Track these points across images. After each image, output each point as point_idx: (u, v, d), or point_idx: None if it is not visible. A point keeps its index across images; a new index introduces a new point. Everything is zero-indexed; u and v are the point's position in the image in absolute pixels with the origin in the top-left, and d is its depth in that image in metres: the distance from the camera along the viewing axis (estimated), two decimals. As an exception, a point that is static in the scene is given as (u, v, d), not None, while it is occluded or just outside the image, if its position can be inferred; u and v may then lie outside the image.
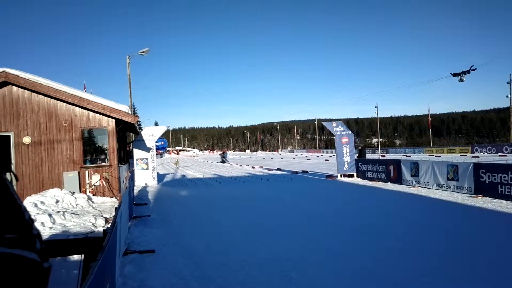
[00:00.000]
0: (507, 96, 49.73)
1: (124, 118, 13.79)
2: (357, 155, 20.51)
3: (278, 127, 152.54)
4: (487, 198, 11.14)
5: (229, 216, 10.00)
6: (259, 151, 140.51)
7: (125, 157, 20.90)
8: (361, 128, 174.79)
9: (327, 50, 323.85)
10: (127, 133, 26.35)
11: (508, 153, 40.68)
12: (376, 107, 68.21)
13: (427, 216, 9.40)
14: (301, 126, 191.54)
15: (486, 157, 35.26)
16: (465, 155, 41.47)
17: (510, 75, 48.61)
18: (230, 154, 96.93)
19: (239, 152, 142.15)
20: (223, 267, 5.59)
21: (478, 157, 35.40)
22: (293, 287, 4.79)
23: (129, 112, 14.94)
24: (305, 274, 5.22)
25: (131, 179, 10.86)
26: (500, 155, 37.83)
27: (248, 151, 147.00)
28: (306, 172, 24.29)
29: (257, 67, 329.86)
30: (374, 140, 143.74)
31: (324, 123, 21.22)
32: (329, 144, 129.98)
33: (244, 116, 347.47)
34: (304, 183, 18.04)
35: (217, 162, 44.51)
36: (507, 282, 4.76)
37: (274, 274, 5.26)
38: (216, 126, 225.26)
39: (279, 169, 27.98)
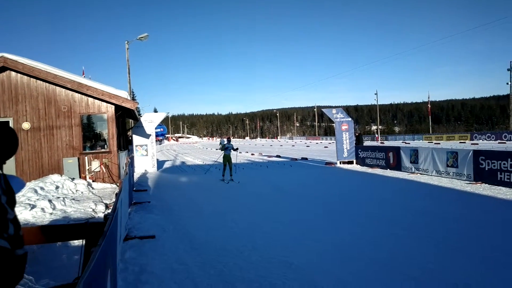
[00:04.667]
0: (507, 83, 49.56)
1: (123, 104, 13.72)
2: (355, 142, 20.50)
3: (277, 114, 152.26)
4: (487, 185, 11.19)
5: (229, 202, 10.04)
6: (259, 138, 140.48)
7: (125, 144, 20.90)
8: (360, 115, 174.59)
9: (327, 37, 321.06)
10: (127, 119, 26.31)
11: (508, 140, 40.72)
12: (376, 94, 68.01)
13: (426, 202, 9.43)
14: (301, 113, 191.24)
15: (485, 144, 35.29)
16: (464, 142, 41.51)
17: (510, 62, 48.32)
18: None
19: (238, 139, 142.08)
20: (223, 252, 5.62)
21: (477, 144, 35.44)
22: (292, 272, 4.82)
23: (128, 98, 14.86)
24: (304, 260, 5.26)
25: (131, 165, 10.87)
26: (499, 142, 37.88)
27: (247, 138, 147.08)
28: (306, 159, 24.32)
29: (257, 54, 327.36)
30: (374, 127, 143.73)
31: (323, 109, 21.14)
32: (328, 131, 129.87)
33: (243, 103, 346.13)
34: (304, 170, 18.07)
35: (216, 149, 44.54)
36: (508, 267, 4.80)
37: (273, 260, 5.30)
38: (216, 113, 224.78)
39: (278, 156, 28.01)
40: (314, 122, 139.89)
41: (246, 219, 7.95)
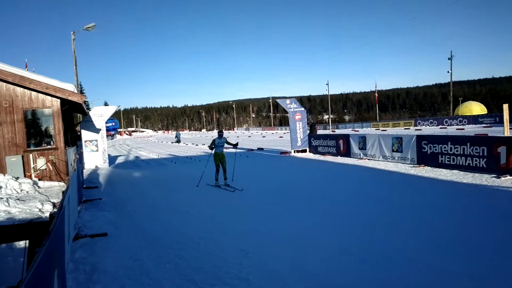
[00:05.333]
0: (448, 72, 52.79)
1: (70, 98, 13.08)
2: (308, 131, 21.04)
3: (233, 106, 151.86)
4: (429, 167, 11.95)
5: (185, 195, 9.97)
6: (215, 130, 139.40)
7: (73, 139, 19.96)
8: (313, 105, 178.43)
9: (281, 26, 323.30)
10: (75, 114, 25.10)
11: (448, 125, 43.55)
12: (327, 84, 69.81)
13: (372, 185, 9.95)
14: (256, 104, 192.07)
15: (428, 129, 37.54)
16: (409, 128, 43.87)
17: (451, 51, 51.46)
18: (185, 134, 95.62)
19: (194, 131, 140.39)
20: (179, 246, 5.61)
21: (420, 130, 37.62)
22: (247, 260, 4.93)
23: (76, 91, 14.18)
24: (260, 247, 5.38)
25: (80, 161, 10.44)
26: (440, 128, 40.45)
27: (204, 130, 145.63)
28: (262, 149, 24.59)
29: (211, 45, 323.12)
30: (326, 117, 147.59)
31: (278, 100, 21.43)
32: (283, 121, 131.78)
33: (199, 95, 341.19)
34: (259, 160, 18.28)
35: (172, 142, 43.80)
36: (451, 244, 5.21)
37: (229, 249, 5.37)
38: (171, 106, 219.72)
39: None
40: (270, 113, 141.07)
41: (201, 211, 7.96)
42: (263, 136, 50.62)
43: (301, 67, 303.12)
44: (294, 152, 19.72)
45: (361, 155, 15.49)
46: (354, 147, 15.99)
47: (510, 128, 21.37)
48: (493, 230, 5.63)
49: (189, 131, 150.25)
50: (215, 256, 5.12)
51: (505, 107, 22.01)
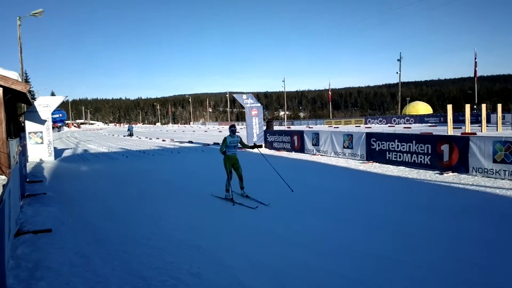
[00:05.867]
0: (397, 73, 55.41)
1: (13, 86, 12.25)
2: (265, 127, 21.29)
3: (190, 100, 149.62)
4: (377, 163, 12.52)
5: (136, 190, 9.72)
6: (170, 124, 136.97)
7: (16, 130, 18.74)
8: (270, 101, 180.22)
9: (240, 19, 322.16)
10: (18, 103, 23.56)
11: (396, 124, 45.80)
12: (283, 81, 70.82)
13: (325, 180, 10.28)
14: (213, 99, 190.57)
15: (378, 127, 39.29)
16: (360, 126, 45.63)
17: (400, 53, 54.02)
18: (138, 127, 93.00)
19: (149, 125, 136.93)
20: (129, 242, 5.48)
21: (370, 127, 39.27)
22: (199, 255, 4.91)
23: (20, 80, 13.30)
24: (213, 242, 5.38)
25: (23, 154, 9.84)
26: (389, 126, 42.50)
27: (158, 124, 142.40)
28: (218, 144, 24.48)
29: (167, 36, 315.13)
30: (282, 113, 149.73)
31: (234, 95, 21.43)
32: (240, 116, 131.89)
33: (154, 88, 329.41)
34: (215, 155, 18.17)
35: (124, 136, 42.44)
36: (385, 230, 5.50)
37: (182, 244, 5.32)
38: (123, 98, 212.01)
39: (190, 142, 27.73)
40: (227, 108, 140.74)
41: (153, 206, 7.80)
42: (220, 131, 50.41)
43: (259, 63, 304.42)
44: (250, 147, 19.83)
45: (314, 151, 15.91)
46: (308, 143, 16.39)
47: (453, 128, 22.95)
48: (433, 222, 6.02)
49: (143, 124, 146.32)
50: (166, 251, 5.06)
51: (449, 107, 23.51)
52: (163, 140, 31.18)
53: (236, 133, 8.55)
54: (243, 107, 20.71)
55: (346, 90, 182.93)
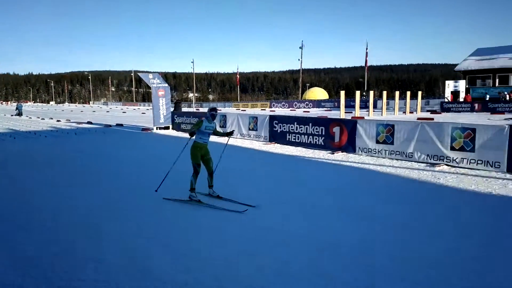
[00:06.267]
0: (299, 60, 58.45)
1: None
2: (173, 108, 21.01)
3: (89, 77, 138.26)
4: (278, 144, 13.40)
5: (25, 175, 9.01)
6: (67, 103, 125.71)
7: None
8: (178, 82, 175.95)
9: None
10: None
11: (297, 108, 48.71)
12: (192, 62, 69.72)
13: (231, 160, 10.73)
14: (117, 77, 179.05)
15: (281, 111, 41.39)
16: (265, 109, 47.52)
17: (301, 41, 57.00)
18: (28, 106, 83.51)
19: (41, 104, 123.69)
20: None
21: (274, 111, 41.16)
22: (93, 240, 4.90)
23: None
24: (103, 225, 5.33)
25: None
26: (291, 110, 45.09)
27: (52, 102, 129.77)
28: (121, 125, 23.47)
29: (62, 5, 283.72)
30: (191, 95, 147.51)
31: (140, 74, 20.70)
32: (146, 97, 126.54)
33: (47, 62, 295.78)
34: (118, 136, 17.50)
35: (12, 115, 37.95)
36: (283, 204, 6.11)
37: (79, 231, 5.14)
38: (11, 73, 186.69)
39: (90, 123, 26.02)
40: (132, 87, 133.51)
41: (43, 194, 7.39)
42: (124, 112, 48.03)
43: (167, 42, 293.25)
44: (157, 128, 19.46)
45: (221, 132, 16.33)
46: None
47: (345, 112, 25.32)
48: (311, 196, 6.82)
49: (34, 103, 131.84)
50: (63, 239, 4.95)
51: (342, 93, 25.86)
52: (58, 121, 28.72)
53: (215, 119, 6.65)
54: (149, 87, 20.12)
55: (254, 75, 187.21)
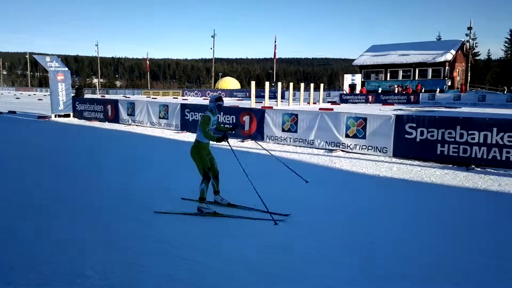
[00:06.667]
0: (211, 48, 58.29)
1: None
2: (73, 94, 19.57)
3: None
4: (189, 133, 13.42)
5: None
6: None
7: None
8: (81, 67, 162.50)
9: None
10: None
11: (210, 96, 48.67)
12: (96, 45, 65.06)
13: (129, 147, 10.54)
14: (9, 59, 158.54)
15: (194, 100, 41.06)
16: (177, 98, 46.70)
17: (214, 30, 56.89)
18: None
19: None
20: None
21: (187, 99, 40.70)
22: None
23: None
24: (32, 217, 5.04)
25: None
26: (204, 98, 44.93)
27: None
28: (14, 112, 21.18)
29: None
30: (95, 80, 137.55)
31: (36, 57, 18.80)
32: (44, 82, 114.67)
33: None
34: (8, 125, 15.81)
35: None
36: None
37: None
38: None
39: (-27, 109, 22.95)
40: (26, 71, 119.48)
41: None
42: (17, 98, 43.14)
43: (67, 22, 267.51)
44: (56, 116, 17.96)
45: (130, 121, 15.74)
46: (123, 113, 16.05)
47: (256, 102, 26.13)
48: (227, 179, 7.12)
49: None
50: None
51: (253, 84, 26.63)
52: None
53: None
54: (47, 71, 18.40)
55: (165, 61, 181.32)
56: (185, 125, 13.85)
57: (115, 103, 16.52)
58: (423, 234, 4.44)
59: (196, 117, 13.52)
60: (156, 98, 43.77)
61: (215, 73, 68.56)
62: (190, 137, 12.71)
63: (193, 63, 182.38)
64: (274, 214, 4.94)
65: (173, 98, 47.29)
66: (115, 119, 16.32)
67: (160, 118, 14.66)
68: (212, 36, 57.02)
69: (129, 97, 45.27)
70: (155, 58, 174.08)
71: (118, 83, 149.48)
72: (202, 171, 5.20)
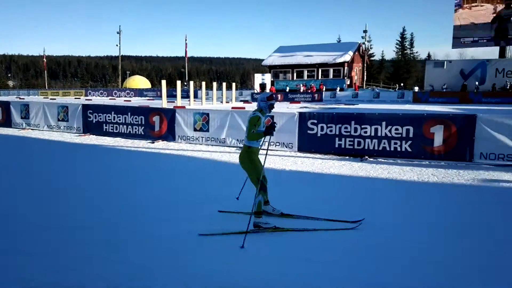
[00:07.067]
0: (117, 45, 55.37)
1: None
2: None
3: None
4: (94, 136, 12.67)
5: None
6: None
7: None
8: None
9: None
10: None
11: (118, 97, 46.29)
12: (-21, 39, 57.32)
13: (28, 155, 9.66)
14: None
15: (99, 100, 38.59)
16: (80, 98, 43.47)
17: (119, 26, 54.11)
18: None
19: None
20: None
21: (91, 100, 38.11)
22: None
23: None
24: None
25: None
26: (110, 98, 42.53)
27: None
28: None
29: None
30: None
31: None
32: None
33: None
34: None
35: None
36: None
37: None
38: None
39: None
40: None
41: None
42: None
43: None
44: None
45: (24, 125, 14.33)
46: (16, 117, 14.57)
47: (168, 101, 25.49)
48: (132, 186, 6.95)
49: None
50: None
51: (163, 83, 25.97)
52: None
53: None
54: None
55: (65, 59, 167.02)
56: (89, 127, 13.04)
57: (6, 105, 14.90)
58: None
59: (100, 119, 12.80)
60: (55, 99, 40.15)
61: (123, 71, 65.18)
62: (94, 139, 12.03)
63: (98, 60, 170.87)
64: (343, 221, 4.69)
65: (75, 98, 43.86)
66: (7, 123, 14.72)
67: (59, 120, 13.57)
68: (117, 33, 54.17)
69: (23, 98, 40.83)
70: (54, 55, 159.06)
71: (11, 83, 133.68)
72: (257, 180, 4.58)
